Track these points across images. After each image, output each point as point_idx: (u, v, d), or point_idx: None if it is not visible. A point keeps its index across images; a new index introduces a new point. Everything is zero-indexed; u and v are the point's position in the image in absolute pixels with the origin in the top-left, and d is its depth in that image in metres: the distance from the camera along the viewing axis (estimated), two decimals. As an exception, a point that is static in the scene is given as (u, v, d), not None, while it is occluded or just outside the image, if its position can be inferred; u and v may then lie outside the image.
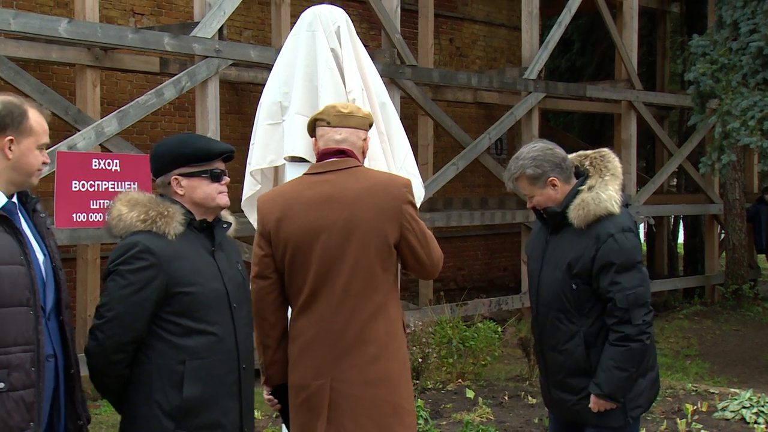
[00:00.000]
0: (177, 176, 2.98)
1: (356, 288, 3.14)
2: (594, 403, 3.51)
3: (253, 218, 4.06)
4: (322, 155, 3.28)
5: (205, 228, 3.02)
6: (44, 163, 2.80)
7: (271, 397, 3.37)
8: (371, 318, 3.16)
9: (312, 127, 3.35)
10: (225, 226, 3.09)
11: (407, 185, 3.27)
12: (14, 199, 2.74)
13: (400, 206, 3.18)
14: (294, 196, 3.22)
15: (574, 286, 3.50)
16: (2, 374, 2.56)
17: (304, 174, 3.31)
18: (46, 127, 2.81)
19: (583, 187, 3.54)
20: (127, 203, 2.96)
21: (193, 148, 3.00)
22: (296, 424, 3.25)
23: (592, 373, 3.51)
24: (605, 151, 3.67)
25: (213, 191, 3.00)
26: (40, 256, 2.74)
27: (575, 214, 3.49)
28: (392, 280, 3.25)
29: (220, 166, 3.03)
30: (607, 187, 3.51)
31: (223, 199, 3.03)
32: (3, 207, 2.66)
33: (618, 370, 3.45)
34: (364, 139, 3.33)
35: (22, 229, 2.71)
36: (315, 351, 3.17)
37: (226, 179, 3.05)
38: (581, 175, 3.61)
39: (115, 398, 3.01)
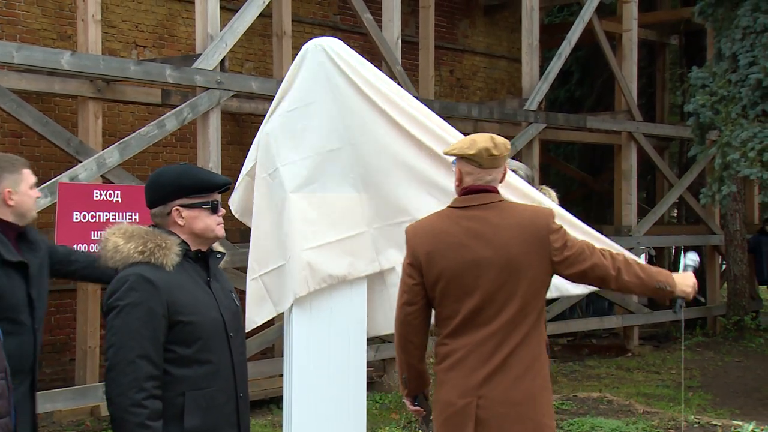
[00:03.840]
0: (178, 207, 2.99)
1: (508, 318, 3.34)
2: None
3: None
4: (469, 191, 3.42)
5: (200, 258, 3.04)
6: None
7: (417, 408, 3.56)
8: (519, 343, 3.36)
9: (454, 156, 3.44)
10: (219, 256, 3.12)
11: (551, 214, 3.46)
12: None
13: (547, 237, 3.37)
14: (443, 230, 3.38)
15: None
16: None
17: (450, 207, 3.45)
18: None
19: None
20: (122, 235, 2.95)
21: (196, 180, 3.02)
22: None
23: None
24: (546, 188, 4.36)
25: (213, 222, 3.02)
26: None
27: None
28: (541, 306, 3.44)
29: (217, 197, 3.06)
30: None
31: (221, 231, 3.06)
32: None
33: None
34: (504, 170, 3.51)
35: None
36: (462, 371, 3.35)
37: (222, 210, 3.08)
38: None
39: None
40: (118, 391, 2.78)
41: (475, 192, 3.41)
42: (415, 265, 3.38)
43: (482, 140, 3.39)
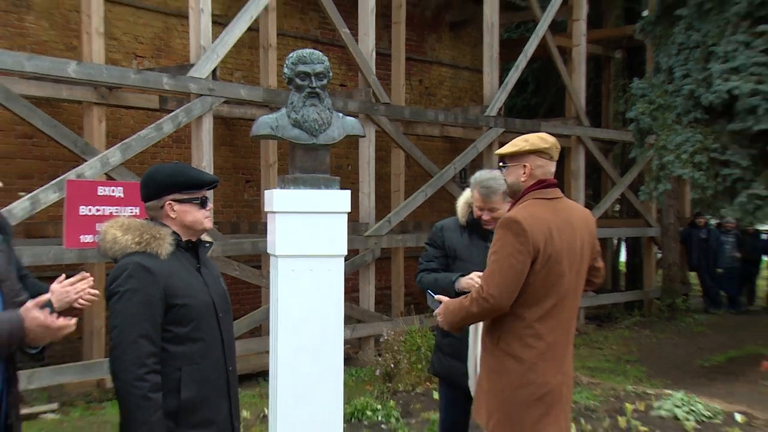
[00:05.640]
0: (170, 201, 2.99)
1: (578, 300, 3.42)
2: None
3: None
4: (547, 184, 3.38)
5: (190, 247, 3.05)
6: None
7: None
8: (576, 322, 3.47)
9: (523, 153, 3.39)
10: (207, 245, 3.12)
11: None
12: None
13: (594, 230, 3.49)
14: (548, 218, 3.29)
15: None
16: None
17: (538, 198, 3.35)
18: None
19: None
20: (119, 228, 2.95)
21: (187, 177, 3.01)
22: (527, 417, 3.29)
23: None
24: None
25: (201, 216, 3.03)
26: None
27: None
28: None
29: (206, 193, 3.06)
30: None
31: (209, 223, 3.06)
32: None
33: None
34: None
35: None
36: (554, 353, 3.32)
37: (210, 205, 3.08)
38: None
39: (154, 413, 2.79)
40: (122, 367, 2.79)
41: (552, 185, 3.39)
42: (531, 252, 3.20)
43: (548, 135, 3.41)
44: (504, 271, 3.21)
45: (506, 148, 3.46)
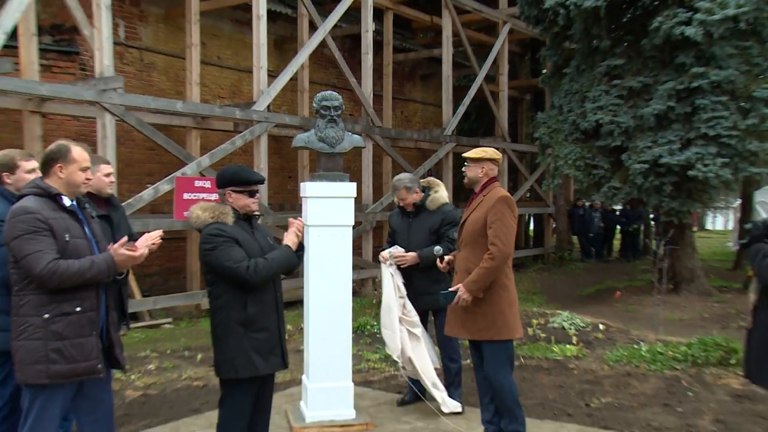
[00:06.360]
0: (230, 191, 2.95)
1: None
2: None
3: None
4: (495, 179, 3.39)
5: (246, 219, 2.99)
6: (87, 179, 2.61)
7: None
8: None
9: (483, 159, 3.38)
10: (257, 217, 3.06)
11: None
12: (74, 202, 2.61)
13: None
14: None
15: (433, 239, 3.97)
16: (79, 302, 2.47)
17: (499, 186, 3.37)
18: (86, 156, 2.60)
19: (431, 191, 4.08)
20: (200, 209, 2.92)
21: (241, 177, 2.95)
22: (516, 322, 3.31)
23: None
24: (432, 179, 4.16)
25: (249, 203, 2.96)
26: (89, 234, 2.61)
27: (432, 203, 4.04)
28: None
29: (254, 188, 2.98)
30: (443, 192, 4.09)
31: (255, 207, 2.99)
32: (70, 206, 2.56)
33: None
34: None
35: (82, 219, 2.60)
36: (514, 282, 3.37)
37: (258, 195, 3.00)
38: (424, 190, 4.13)
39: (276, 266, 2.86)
40: (249, 277, 2.77)
41: (496, 180, 3.41)
42: (516, 217, 3.28)
43: (497, 151, 3.42)
44: (509, 231, 3.22)
45: (472, 154, 3.43)
